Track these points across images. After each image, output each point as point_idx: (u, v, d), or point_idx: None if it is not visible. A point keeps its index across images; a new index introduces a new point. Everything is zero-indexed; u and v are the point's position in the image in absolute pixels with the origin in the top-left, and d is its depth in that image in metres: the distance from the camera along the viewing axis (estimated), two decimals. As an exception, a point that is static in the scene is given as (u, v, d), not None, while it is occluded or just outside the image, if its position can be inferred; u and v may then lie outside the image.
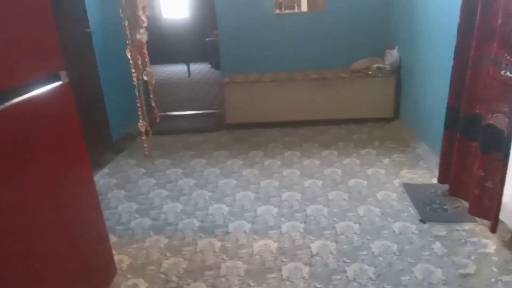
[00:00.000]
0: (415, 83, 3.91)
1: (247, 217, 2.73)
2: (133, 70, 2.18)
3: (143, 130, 2.36)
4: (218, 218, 2.73)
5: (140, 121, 2.34)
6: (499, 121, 2.15)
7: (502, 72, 2.12)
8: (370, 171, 3.31)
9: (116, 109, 4.15)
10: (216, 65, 8.40)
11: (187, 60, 8.28)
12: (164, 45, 8.67)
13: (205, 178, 3.36)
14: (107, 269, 1.94)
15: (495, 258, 2.15)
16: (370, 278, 2.08)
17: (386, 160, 3.50)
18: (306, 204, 2.85)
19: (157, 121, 2.55)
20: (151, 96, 2.42)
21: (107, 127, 3.91)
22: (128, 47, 2.14)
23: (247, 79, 4.51)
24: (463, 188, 2.60)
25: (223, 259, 2.31)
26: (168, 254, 2.39)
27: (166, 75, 8.05)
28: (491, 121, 2.22)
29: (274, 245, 2.40)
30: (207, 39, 8.42)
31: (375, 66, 4.41)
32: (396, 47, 4.36)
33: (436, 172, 3.18)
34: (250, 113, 4.48)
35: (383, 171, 3.29)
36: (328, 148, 3.82)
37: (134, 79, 2.19)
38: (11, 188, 1.31)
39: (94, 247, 1.85)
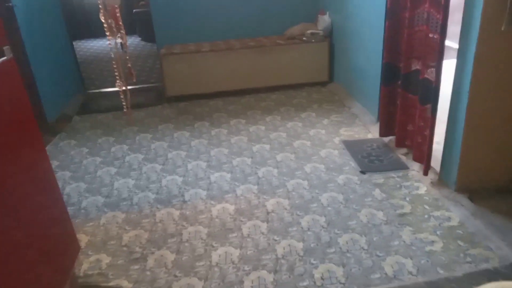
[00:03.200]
0: (347, 46, 4.14)
1: (202, 185, 2.80)
2: (107, 33, 2.16)
3: (120, 89, 2.35)
4: (173, 189, 2.78)
5: (117, 81, 2.34)
6: (432, 74, 2.40)
7: (433, 29, 2.35)
8: (312, 132, 3.52)
9: (48, 88, 3.91)
10: (146, 38, 8.07)
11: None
12: (87, 19, 8.14)
13: (154, 152, 3.35)
14: (70, 247, 1.93)
15: (426, 198, 2.46)
16: (322, 226, 2.29)
17: (325, 121, 3.73)
18: (257, 168, 2.98)
19: (134, 80, 2.56)
20: (127, 57, 2.42)
21: (41, 108, 3.70)
22: (101, 11, 2.11)
23: (185, 49, 4.45)
24: (408, 137, 2.88)
25: (183, 226, 2.39)
26: (127, 228, 2.41)
27: (94, 51, 7.60)
28: (426, 76, 2.47)
29: (231, 208, 2.52)
30: (134, 10, 8.04)
31: (309, 32, 4.58)
32: (327, 12, 4.55)
33: (371, 128, 3.48)
34: (191, 84, 4.46)
35: (323, 131, 3.51)
36: (271, 114, 3.96)
37: (109, 42, 2.17)
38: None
39: (56, 227, 1.82)
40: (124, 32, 2.24)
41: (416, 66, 2.68)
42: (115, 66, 2.26)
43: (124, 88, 2.34)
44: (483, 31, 2.05)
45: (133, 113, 4.22)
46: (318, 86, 4.67)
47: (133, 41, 8.28)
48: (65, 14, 4.66)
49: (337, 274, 1.94)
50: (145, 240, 2.29)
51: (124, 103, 2.44)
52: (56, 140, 3.69)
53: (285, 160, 3.06)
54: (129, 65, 2.42)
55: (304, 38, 4.56)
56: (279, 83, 4.61)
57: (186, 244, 2.23)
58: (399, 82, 2.85)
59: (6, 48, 1.55)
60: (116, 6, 2.13)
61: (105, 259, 2.15)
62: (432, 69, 2.45)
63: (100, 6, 2.08)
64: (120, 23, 2.20)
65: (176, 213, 2.51)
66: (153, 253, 2.18)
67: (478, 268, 1.90)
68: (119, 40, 2.23)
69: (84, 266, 2.11)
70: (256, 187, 2.73)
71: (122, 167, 3.13)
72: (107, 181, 2.94)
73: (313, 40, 4.53)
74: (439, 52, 2.31)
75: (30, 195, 1.63)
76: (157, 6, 4.63)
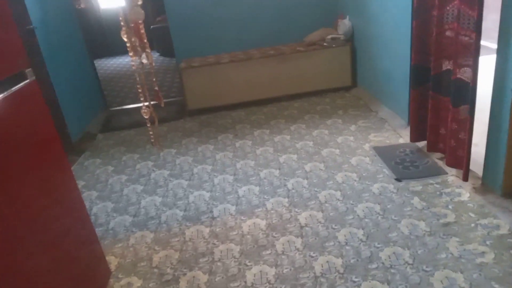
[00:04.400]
0: (370, 49, 4.02)
1: (230, 199, 2.72)
2: (130, 54, 2.00)
3: (147, 116, 2.18)
4: (201, 205, 2.70)
5: (143, 107, 2.16)
6: (466, 74, 2.26)
7: (465, 27, 2.22)
8: (339, 139, 3.40)
9: (71, 108, 3.92)
10: (165, 52, 8.14)
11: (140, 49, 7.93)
12: (106, 38, 8.26)
13: (179, 167, 3.29)
14: (101, 271, 1.86)
15: (470, 205, 2.30)
16: (360, 240, 2.16)
17: (353, 127, 3.60)
18: (285, 179, 2.88)
19: (162, 105, 2.36)
20: (154, 79, 2.24)
21: (65, 128, 3.70)
22: (123, 29, 1.96)
23: (204, 62, 4.41)
24: (440, 141, 2.73)
25: (214, 244, 2.30)
26: (156, 248, 2.33)
27: (113, 69, 7.68)
28: (459, 76, 2.33)
29: (263, 223, 2.42)
30: (152, 26, 8.11)
31: (329, 37, 4.48)
32: (347, 16, 4.44)
33: (401, 133, 3.33)
34: (212, 96, 4.41)
35: (352, 138, 3.39)
36: (295, 123, 3.86)
37: (133, 62, 2.02)
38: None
39: (84, 250, 1.76)
40: (149, 51, 2.13)
41: (447, 66, 2.54)
42: (140, 90, 2.12)
43: (150, 115, 2.16)
44: (526, 24, 1.90)
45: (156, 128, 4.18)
46: (342, 91, 4.54)
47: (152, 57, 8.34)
48: (84, 33, 4.70)
49: (383, 292, 1.81)
50: (175, 260, 2.21)
51: (151, 133, 2.26)
52: (81, 160, 3.68)
53: (314, 170, 2.95)
54: (156, 88, 2.26)
55: (324, 44, 4.46)
56: (301, 91, 4.51)
57: (219, 263, 2.14)
58: (429, 84, 2.71)
59: (28, 70, 1.51)
60: (140, 21, 2.02)
61: (136, 283, 2.08)
62: (465, 68, 2.31)
63: (122, 23, 1.97)
64: (145, 40, 2.08)
65: (206, 230, 2.43)
66: (185, 274, 2.10)
67: (539, 282, 1.74)
68: (144, 61, 2.13)
69: (115, 290, 2.04)
70: (286, 199, 2.62)
71: (148, 184, 3.08)
72: (133, 200, 2.89)
73: (334, 45, 4.43)
74: (475, 51, 2.18)
75: (57, 217, 1.58)
76: (174, 21, 4.61)
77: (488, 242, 2.00)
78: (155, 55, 8.43)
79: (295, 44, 4.65)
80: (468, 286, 1.77)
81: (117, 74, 7.21)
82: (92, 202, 2.93)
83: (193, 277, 2.06)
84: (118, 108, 5.10)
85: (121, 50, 8.54)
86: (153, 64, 2.16)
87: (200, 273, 2.09)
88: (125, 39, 1.97)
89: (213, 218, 2.54)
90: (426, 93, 2.79)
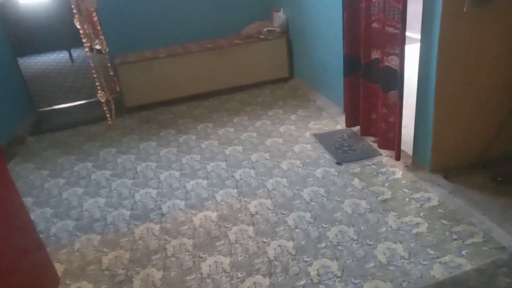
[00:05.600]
0: (305, 40, 4.16)
1: (178, 195, 2.70)
2: (84, 40, 1.96)
3: (103, 100, 2.16)
4: (149, 203, 2.65)
5: (99, 91, 2.14)
6: (393, 62, 2.44)
7: (391, 18, 2.39)
8: (281, 128, 3.50)
9: (-5, 110, 3.61)
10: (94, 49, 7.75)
11: (66, 46, 7.45)
12: (30, 34, 7.65)
13: (121, 166, 3.18)
14: (49, 279, 1.77)
15: (403, 182, 2.51)
16: (309, 222, 2.27)
17: (293, 117, 3.72)
18: (232, 170, 2.91)
19: (117, 89, 2.35)
20: (108, 65, 2.22)
21: (-11, 132, 3.40)
22: (76, 16, 1.91)
23: (140, 57, 4.28)
24: (372, 126, 2.92)
25: (166, 240, 2.27)
26: (105, 250, 2.26)
27: (39, 67, 7.15)
28: (387, 63, 2.51)
29: (213, 215, 2.44)
30: (78, 21, 7.65)
31: (265, 29, 4.56)
32: (282, 9, 4.55)
33: (338, 119, 3.51)
34: (151, 92, 4.30)
35: (293, 127, 3.50)
36: (238, 115, 3.90)
37: (87, 49, 1.97)
38: None
39: (29, 258, 1.66)
40: (103, 38, 2.08)
41: (375, 55, 2.72)
42: (95, 75, 2.09)
43: (107, 98, 2.17)
44: (445, 14, 2.10)
45: (91, 128, 4.01)
46: (280, 82, 4.66)
47: (80, 53, 7.89)
48: (6, 30, 4.33)
49: (332, 268, 1.92)
50: (127, 260, 2.15)
51: (108, 115, 2.27)
52: (11, 166, 3.42)
53: (260, 159, 3.01)
54: (111, 73, 2.25)
55: (261, 36, 4.54)
56: (241, 83, 4.55)
57: (172, 258, 2.12)
58: (360, 72, 2.89)
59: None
60: (92, 9, 1.98)
61: (87, 287, 2.00)
62: (392, 56, 2.50)
63: (74, 11, 1.91)
64: (99, 28, 2.04)
65: (156, 227, 2.39)
66: (138, 273, 2.06)
67: (466, 244, 1.95)
68: (97, 47, 2.06)
69: (64, 297, 1.95)
70: (235, 190, 2.66)
71: (89, 186, 2.95)
72: (75, 203, 2.76)
73: (270, 38, 4.52)
74: (401, 40, 2.36)
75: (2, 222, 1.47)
76: (104, 13, 4.40)
77: (421, 214, 2.20)
78: (83, 51, 7.98)
79: (233, 37, 4.68)
80: (407, 255, 1.94)
81: (44, 72, 6.73)
82: (28, 209, 2.74)
83: (147, 275, 2.03)
84: (48, 108, 4.78)
85: (46, 46, 8.01)
86: (107, 49, 2.11)
87: (154, 270, 2.06)
88: (78, 27, 1.92)
89: (163, 214, 2.51)
90: (358, 81, 2.97)
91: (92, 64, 2.06)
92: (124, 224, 2.46)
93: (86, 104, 4.82)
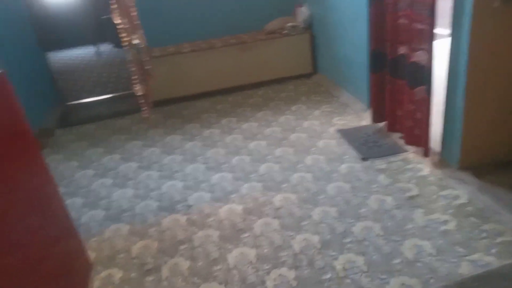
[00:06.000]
0: (329, 36, 4.14)
1: (204, 187, 2.74)
2: (123, 35, 2.00)
3: (140, 93, 2.20)
4: (175, 195, 2.70)
5: (136, 85, 2.18)
6: (421, 57, 2.42)
7: (419, 13, 2.36)
8: (305, 124, 3.50)
9: (23, 103, 3.71)
10: (119, 44, 7.88)
11: (93, 41, 7.62)
12: (57, 30, 7.85)
13: (147, 159, 3.25)
14: (81, 264, 1.83)
15: (431, 179, 2.48)
16: (334, 217, 2.27)
17: (317, 112, 3.72)
18: (257, 165, 2.93)
19: (152, 83, 2.40)
20: (147, 59, 2.27)
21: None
22: (116, 11, 1.95)
23: (164, 52, 4.34)
24: (398, 122, 2.89)
25: (193, 231, 2.32)
26: (134, 239, 2.32)
27: (65, 62, 7.34)
28: (414, 59, 2.48)
29: (239, 208, 2.47)
30: (103, 16, 7.80)
31: (288, 25, 4.55)
32: (305, 4, 4.54)
33: (363, 115, 3.49)
34: (175, 87, 4.37)
35: (317, 122, 3.50)
36: (261, 110, 3.92)
37: (126, 43, 2.01)
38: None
39: (63, 243, 1.72)
40: (142, 32, 2.12)
41: (402, 50, 2.69)
42: (133, 69, 2.13)
43: (144, 92, 2.20)
44: (476, 9, 2.07)
45: (117, 121, 4.10)
46: (303, 78, 4.66)
47: (105, 48, 8.06)
48: (35, 26, 4.46)
49: (358, 263, 1.92)
50: (155, 250, 2.21)
51: (144, 108, 2.30)
52: (41, 156, 3.53)
53: (284, 154, 3.03)
54: (148, 67, 2.29)
55: (284, 32, 4.54)
56: (264, 79, 4.57)
57: (199, 249, 2.17)
58: (387, 68, 2.86)
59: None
60: (130, 4, 2.02)
61: (117, 274, 2.06)
62: (419, 51, 2.46)
63: (113, 6, 1.95)
64: (136, 22, 2.08)
65: (183, 218, 2.44)
66: (166, 262, 2.11)
67: (495, 242, 1.92)
68: (136, 41, 2.11)
69: (96, 283, 2.01)
70: (260, 184, 2.68)
71: (117, 177, 3.03)
72: (103, 194, 2.83)
73: (293, 33, 4.51)
74: (430, 35, 2.33)
75: (31, 210, 1.53)
76: (132, 9, 4.48)
77: (449, 211, 2.17)
78: (108, 47, 8.14)
79: (256, 33, 4.69)
80: (435, 252, 1.92)
81: (70, 67, 6.91)
82: (59, 199, 2.84)
83: (175, 264, 2.08)
84: (74, 102, 4.91)
85: (73, 42, 8.20)
86: (145, 44, 2.15)
87: (182, 259, 2.11)
88: (119, 21, 1.96)
89: (189, 206, 2.55)
90: (385, 77, 2.94)
91: (130, 58, 2.10)
92: (151, 215, 2.52)
93: (111, 98, 4.93)
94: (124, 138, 3.68)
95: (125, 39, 2.02)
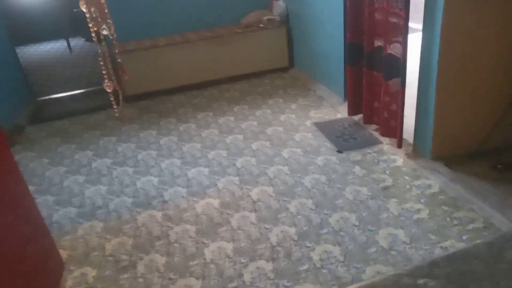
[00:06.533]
0: (305, 30, 4.15)
1: (180, 182, 2.70)
2: (90, 25, 1.89)
3: (110, 90, 2.08)
4: (150, 190, 2.66)
5: (106, 81, 2.06)
6: (396, 50, 2.45)
7: (394, 5, 2.39)
8: (282, 117, 3.50)
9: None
10: (91, 38, 7.68)
11: (65, 35, 7.38)
12: (28, 23, 7.57)
13: (122, 154, 3.18)
14: (53, 264, 1.78)
15: (404, 169, 2.53)
16: (310, 208, 2.28)
17: (293, 106, 3.72)
18: (233, 159, 2.92)
19: (126, 78, 2.26)
20: (116, 51, 2.15)
21: (-11, 120, 3.38)
22: None
23: (139, 46, 4.25)
24: (375, 114, 2.93)
25: (169, 226, 2.29)
26: (108, 236, 2.27)
27: (36, 56, 7.09)
28: (389, 51, 2.51)
29: (216, 202, 2.45)
30: (75, 9, 7.58)
31: (265, 18, 4.54)
32: (281, -2, 4.53)
33: (339, 108, 3.52)
34: (150, 81, 4.28)
35: (293, 116, 3.51)
36: (238, 104, 3.90)
37: (93, 34, 1.90)
38: None
39: (33, 245, 1.67)
40: (111, 22, 2.04)
41: (378, 43, 2.72)
42: (102, 63, 2.04)
43: (114, 88, 2.10)
44: (448, 3, 2.10)
45: (91, 117, 4.00)
46: (279, 72, 4.65)
47: (77, 42, 7.83)
48: (4, 19, 4.30)
49: (335, 253, 1.94)
50: (130, 246, 2.17)
51: (115, 107, 2.20)
52: (10, 154, 3.40)
53: (261, 148, 3.02)
54: (119, 60, 2.18)
55: (261, 25, 4.51)
56: (240, 73, 4.54)
57: (175, 244, 2.14)
58: (363, 61, 2.89)
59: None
60: None
61: (91, 272, 2.02)
62: (394, 44, 2.50)
63: None
64: (106, 11, 1.99)
65: (158, 214, 2.40)
66: (141, 258, 2.07)
67: (466, 229, 1.97)
68: (105, 32, 2.03)
69: (69, 282, 1.96)
70: (237, 178, 2.67)
71: (90, 174, 2.95)
72: (76, 191, 2.76)
73: (270, 27, 4.50)
74: (404, 27, 2.36)
75: (1, 209, 1.48)
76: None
77: (422, 200, 2.22)
78: (80, 40, 7.92)
79: (232, 27, 4.65)
80: (409, 240, 1.96)
81: (41, 61, 6.68)
82: (29, 197, 2.74)
83: (151, 260, 2.05)
84: (46, 97, 4.75)
85: (44, 36, 7.93)
86: (115, 35, 2.07)
87: (158, 255, 2.07)
88: (84, 9, 1.87)
89: (165, 202, 2.52)
90: (361, 69, 2.97)
91: (99, 51, 2.02)
92: (126, 211, 2.47)
93: (84, 93, 4.80)
94: (98, 134, 3.60)
95: (93, 29, 1.94)
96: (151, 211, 2.44)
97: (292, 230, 2.13)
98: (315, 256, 1.94)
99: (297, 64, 4.62)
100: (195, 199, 2.51)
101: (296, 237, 2.07)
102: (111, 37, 2.06)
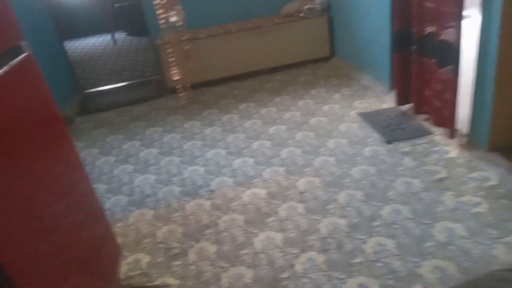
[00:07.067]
0: (348, 18, 4.05)
1: (226, 172, 2.72)
2: (159, 12, 1.90)
3: (178, 77, 2.10)
4: (197, 180, 2.69)
5: (173, 68, 2.08)
6: (450, 35, 2.33)
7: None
8: (325, 108, 3.44)
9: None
10: (132, 32, 7.85)
11: (109, 29, 7.62)
12: (72, 19, 7.85)
13: (167, 145, 3.24)
14: (111, 248, 1.84)
15: (459, 161, 2.42)
16: (360, 200, 2.24)
17: (337, 96, 3.65)
18: (278, 149, 2.90)
19: (191, 65, 2.26)
20: (185, 38, 2.14)
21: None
22: None
23: (181, 38, 4.30)
24: (426, 103, 2.82)
25: (217, 215, 2.31)
26: (158, 224, 2.32)
27: (80, 50, 7.35)
28: (443, 37, 2.40)
29: (262, 192, 2.45)
30: (116, 5, 7.77)
31: (305, 7, 4.46)
32: (323, -14, 4.43)
33: (384, 98, 3.42)
34: (192, 73, 4.33)
35: (337, 106, 3.44)
36: (279, 95, 3.87)
37: (163, 20, 1.91)
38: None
39: (93, 226, 1.73)
40: (180, 7, 2.05)
41: (430, 29, 2.60)
42: (169, 50, 2.04)
43: (180, 76, 2.10)
44: (511, -17, 1.97)
45: (136, 108, 4.10)
46: (321, 62, 4.57)
47: (119, 37, 8.04)
48: (53, 15, 4.46)
49: (389, 246, 1.89)
50: (180, 234, 2.21)
51: (182, 94, 2.19)
52: (62, 144, 3.55)
53: (305, 138, 2.99)
54: (188, 46, 2.16)
55: (301, 15, 4.44)
56: (281, 63, 4.50)
57: (225, 233, 2.16)
58: (413, 47, 2.78)
59: (24, 43, 1.43)
60: None
61: (144, 258, 2.07)
62: (449, 29, 2.38)
63: None
64: None
65: (207, 203, 2.43)
66: (192, 246, 2.11)
67: (530, 224, 1.87)
68: (174, 18, 2.04)
69: (124, 268, 2.03)
70: (282, 168, 2.66)
71: (138, 163, 3.03)
72: (126, 180, 2.84)
73: (311, 16, 4.42)
74: (458, 11, 2.24)
75: (61, 194, 1.53)
76: (146, -5, 4.44)
77: (480, 193, 2.12)
78: (122, 35, 8.13)
79: (272, 17, 4.61)
80: (468, 234, 1.88)
81: (86, 55, 6.92)
82: (82, 185, 2.85)
83: (201, 248, 2.08)
84: (92, 90, 4.91)
85: (88, 30, 8.20)
86: (184, 20, 2.08)
87: (208, 244, 2.10)
88: None
89: (212, 191, 2.54)
90: (409, 57, 2.86)
91: (167, 38, 2.02)
92: (175, 200, 2.52)
93: (128, 85, 4.93)
94: (143, 125, 3.68)
95: (162, 15, 1.92)
96: (199, 200, 2.48)
97: (343, 222, 2.09)
98: (367, 248, 1.90)
99: (338, 53, 4.52)
100: (241, 188, 2.51)
101: (347, 229, 2.04)
102: (179, 24, 2.02)
